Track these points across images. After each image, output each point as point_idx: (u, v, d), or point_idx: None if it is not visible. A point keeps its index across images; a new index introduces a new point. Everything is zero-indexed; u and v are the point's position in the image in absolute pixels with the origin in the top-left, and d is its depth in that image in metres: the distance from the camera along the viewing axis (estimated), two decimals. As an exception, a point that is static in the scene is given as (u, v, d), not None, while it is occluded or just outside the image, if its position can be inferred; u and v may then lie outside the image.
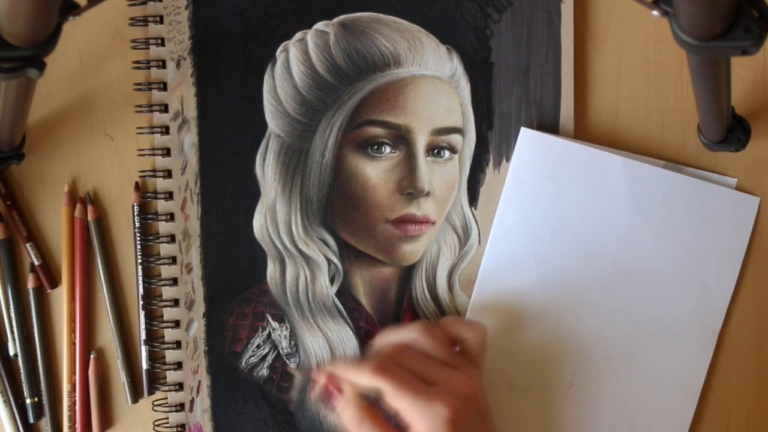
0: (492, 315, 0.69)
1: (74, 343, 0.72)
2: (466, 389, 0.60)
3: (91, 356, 0.72)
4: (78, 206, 0.72)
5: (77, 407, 0.71)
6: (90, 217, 0.72)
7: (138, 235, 0.71)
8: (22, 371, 0.72)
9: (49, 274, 0.72)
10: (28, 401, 0.72)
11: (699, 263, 0.69)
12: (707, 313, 0.69)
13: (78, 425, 0.71)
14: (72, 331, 0.72)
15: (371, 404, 0.61)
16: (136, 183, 0.72)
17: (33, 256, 0.72)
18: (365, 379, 0.61)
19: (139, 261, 0.71)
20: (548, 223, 0.69)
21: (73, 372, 0.72)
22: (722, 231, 0.69)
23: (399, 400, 0.59)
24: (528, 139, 0.69)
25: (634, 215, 0.69)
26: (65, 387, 0.72)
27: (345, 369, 0.62)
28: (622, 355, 0.69)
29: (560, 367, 0.69)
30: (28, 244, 0.72)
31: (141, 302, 0.71)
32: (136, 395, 0.72)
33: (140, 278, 0.71)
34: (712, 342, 0.69)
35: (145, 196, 0.72)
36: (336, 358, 0.70)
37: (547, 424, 0.64)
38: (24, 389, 0.72)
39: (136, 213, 0.71)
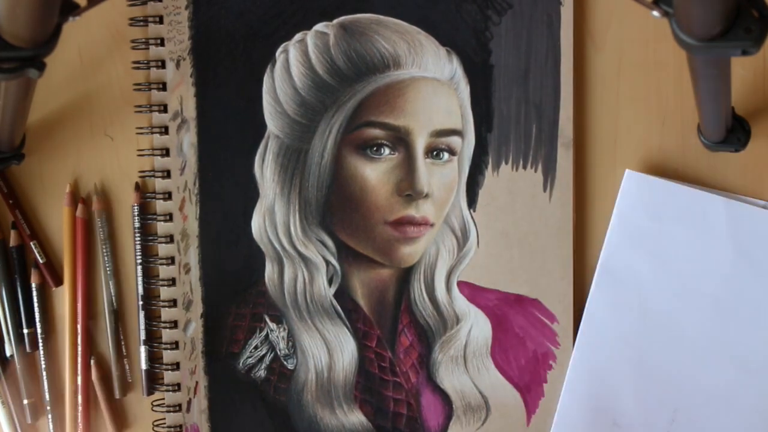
0: (596, 353, 0.70)
1: (76, 344, 0.72)
2: None
3: (92, 361, 0.72)
4: (79, 206, 0.72)
5: (79, 409, 0.72)
6: (95, 208, 0.72)
7: (138, 235, 0.71)
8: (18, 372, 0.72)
9: (53, 272, 0.72)
10: (25, 401, 0.72)
11: None
12: None
13: (80, 426, 0.72)
14: (74, 331, 0.72)
15: None
16: (137, 183, 0.72)
17: (37, 255, 0.72)
18: None
19: (139, 261, 0.71)
20: (652, 263, 0.69)
21: (75, 372, 0.71)
22: None
23: None
24: (632, 181, 0.70)
25: (735, 256, 0.69)
26: (68, 387, 0.72)
27: None
28: (723, 395, 0.69)
29: (662, 403, 0.69)
30: (32, 243, 0.72)
31: (140, 302, 0.71)
32: (125, 389, 0.72)
33: (140, 278, 0.71)
34: None
35: (144, 196, 0.72)
36: None
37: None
38: (22, 389, 0.72)
39: (135, 213, 0.71)
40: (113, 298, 0.72)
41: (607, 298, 0.70)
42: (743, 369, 0.69)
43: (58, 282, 0.72)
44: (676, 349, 0.69)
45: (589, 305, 0.70)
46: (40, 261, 0.72)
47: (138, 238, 0.71)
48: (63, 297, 0.72)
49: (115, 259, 0.72)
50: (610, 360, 0.70)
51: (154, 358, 0.72)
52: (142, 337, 0.71)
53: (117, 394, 0.72)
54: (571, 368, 0.70)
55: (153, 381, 0.72)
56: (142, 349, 0.71)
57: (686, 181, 0.70)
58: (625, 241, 0.70)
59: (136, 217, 0.71)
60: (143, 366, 0.71)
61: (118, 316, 0.72)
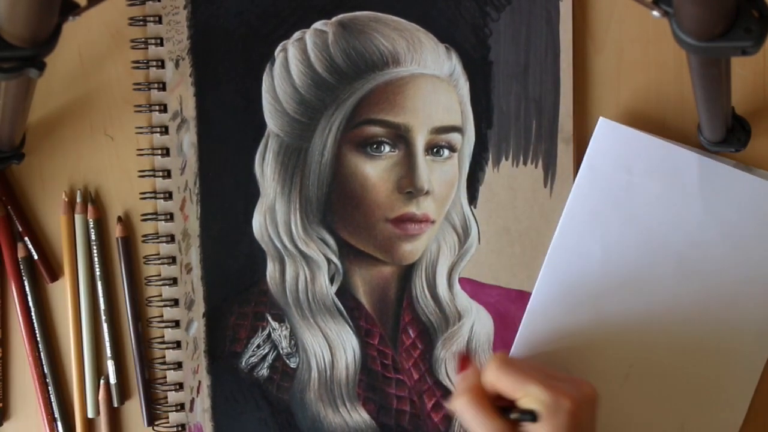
0: (554, 302, 0.69)
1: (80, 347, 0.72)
2: (589, 391, 0.62)
3: (101, 382, 0.72)
4: (78, 216, 0.72)
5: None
6: (90, 217, 0.72)
7: (123, 268, 0.72)
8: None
9: (49, 268, 0.72)
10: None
11: (764, 267, 0.69)
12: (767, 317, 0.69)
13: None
14: (78, 332, 0.72)
15: (486, 393, 0.63)
16: (119, 217, 0.72)
17: (32, 250, 0.72)
18: (491, 375, 0.62)
19: (126, 284, 0.72)
20: (618, 214, 0.69)
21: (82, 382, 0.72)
22: None
23: (525, 389, 0.60)
24: (605, 129, 0.69)
25: (704, 214, 0.68)
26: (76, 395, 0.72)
27: (488, 374, 0.63)
28: (680, 352, 0.69)
29: (618, 358, 0.69)
30: (25, 239, 0.72)
31: (137, 305, 0.72)
32: (123, 398, 0.72)
33: (129, 301, 0.72)
34: None
35: (144, 195, 0.72)
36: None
37: (601, 413, 0.65)
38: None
39: (120, 246, 0.72)
40: (109, 301, 0.72)
41: (569, 245, 0.69)
42: (702, 329, 0.69)
43: (54, 277, 0.72)
44: (636, 304, 0.69)
45: (550, 252, 0.70)
46: (34, 257, 0.72)
47: (124, 272, 0.72)
48: (65, 296, 0.72)
49: (114, 258, 0.72)
50: (567, 311, 0.69)
51: (153, 357, 0.72)
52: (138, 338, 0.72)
53: (116, 403, 0.72)
54: (527, 314, 0.70)
55: (152, 381, 0.72)
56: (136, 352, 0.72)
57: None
58: (593, 192, 0.69)
59: (121, 251, 0.72)
60: (138, 367, 0.72)
61: (112, 317, 0.72)
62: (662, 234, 0.69)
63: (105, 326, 0.72)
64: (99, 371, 0.72)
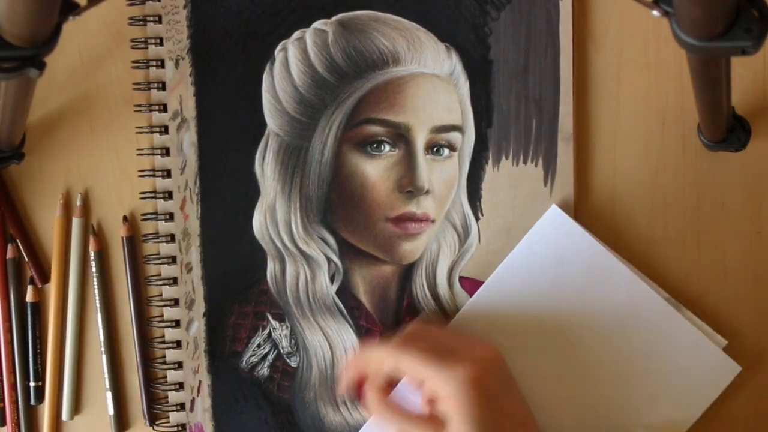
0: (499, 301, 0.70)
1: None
2: (486, 353, 0.62)
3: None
4: (75, 220, 0.72)
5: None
6: (92, 249, 0.72)
7: (128, 268, 0.72)
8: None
9: (41, 270, 0.72)
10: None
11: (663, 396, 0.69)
12: None
13: None
14: (58, 334, 0.72)
15: (389, 386, 0.64)
16: (124, 217, 0.72)
17: (22, 252, 0.72)
18: (388, 359, 0.63)
19: (131, 284, 0.72)
20: (541, 302, 0.69)
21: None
22: (697, 385, 0.69)
23: (422, 370, 0.61)
24: (554, 217, 0.70)
25: (623, 329, 0.69)
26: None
27: (368, 354, 0.65)
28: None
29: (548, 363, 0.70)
30: (17, 240, 0.72)
31: (140, 304, 0.72)
32: (121, 425, 0.72)
33: (132, 299, 0.72)
34: None
35: (144, 194, 0.72)
36: (362, 346, 0.71)
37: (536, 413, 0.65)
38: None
39: (125, 246, 0.72)
40: (106, 308, 0.72)
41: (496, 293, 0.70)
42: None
43: (45, 279, 0.72)
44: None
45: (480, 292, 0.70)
46: (25, 259, 0.72)
47: (129, 272, 0.72)
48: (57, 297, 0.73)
49: (113, 260, 0.72)
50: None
51: (153, 357, 0.72)
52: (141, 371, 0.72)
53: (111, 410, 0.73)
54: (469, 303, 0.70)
55: (152, 381, 0.72)
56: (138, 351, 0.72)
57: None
58: (523, 271, 0.70)
59: (126, 250, 0.72)
60: (141, 367, 0.72)
61: (109, 320, 0.72)
62: (578, 335, 0.69)
63: (101, 328, 0.72)
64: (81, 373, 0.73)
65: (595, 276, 0.69)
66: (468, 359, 0.61)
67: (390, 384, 0.66)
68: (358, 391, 0.67)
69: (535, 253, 0.70)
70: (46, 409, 0.72)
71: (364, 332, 0.71)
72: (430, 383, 0.61)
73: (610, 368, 0.69)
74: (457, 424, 0.59)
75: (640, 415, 0.69)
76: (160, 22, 0.71)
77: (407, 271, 0.71)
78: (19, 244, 0.72)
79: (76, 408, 0.73)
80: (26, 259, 0.72)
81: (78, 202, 0.72)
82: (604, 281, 0.69)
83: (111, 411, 0.72)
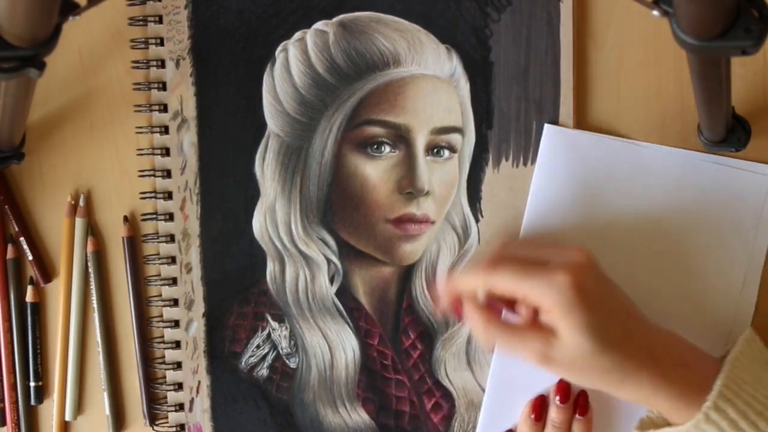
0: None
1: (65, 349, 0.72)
2: (578, 257, 0.62)
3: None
4: (78, 220, 0.72)
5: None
6: (89, 250, 0.72)
7: (129, 268, 0.72)
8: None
9: (44, 269, 0.72)
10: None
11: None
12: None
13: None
14: (66, 333, 0.72)
15: (491, 308, 0.64)
16: (125, 217, 0.72)
17: (27, 251, 0.72)
18: (482, 281, 0.63)
19: (131, 284, 0.72)
20: (578, 216, 0.69)
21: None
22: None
23: (520, 286, 0.61)
24: (552, 136, 0.69)
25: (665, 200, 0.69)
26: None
27: (462, 278, 0.65)
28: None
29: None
30: (20, 239, 0.72)
31: (140, 305, 0.72)
32: (118, 425, 0.73)
33: (132, 299, 0.72)
34: None
35: (144, 194, 0.72)
36: (452, 273, 0.71)
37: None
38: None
39: (125, 246, 0.72)
40: (104, 309, 0.72)
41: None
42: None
43: (47, 279, 0.72)
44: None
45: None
46: (29, 258, 0.72)
47: (129, 272, 0.72)
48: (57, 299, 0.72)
49: (112, 260, 0.72)
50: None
51: (153, 357, 0.72)
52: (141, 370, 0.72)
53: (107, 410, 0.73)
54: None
55: (152, 381, 0.72)
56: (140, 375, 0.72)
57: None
58: (550, 200, 0.69)
59: (126, 250, 0.72)
60: (141, 367, 0.72)
61: (107, 321, 0.72)
62: (623, 228, 0.69)
63: (98, 327, 0.72)
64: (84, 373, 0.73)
65: (624, 167, 0.69)
66: (562, 266, 0.60)
67: (487, 306, 0.65)
68: (456, 312, 0.66)
69: (556, 174, 0.69)
70: (54, 409, 0.72)
71: (363, 333, 0.71)
72: (531, 298, 0.60)
73: (697, 253, 0.69)
74: (567, 330, 0.59)
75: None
76: (160, 22, 0.71)
77: (407, 273, 0.71)
78: (23, 243, 0.72)
79: (79, 408, 0.73)
80: (30, 259, 0.72)
81: (81, 203, 0.72)
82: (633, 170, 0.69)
83: (107, 411, 0.72)
